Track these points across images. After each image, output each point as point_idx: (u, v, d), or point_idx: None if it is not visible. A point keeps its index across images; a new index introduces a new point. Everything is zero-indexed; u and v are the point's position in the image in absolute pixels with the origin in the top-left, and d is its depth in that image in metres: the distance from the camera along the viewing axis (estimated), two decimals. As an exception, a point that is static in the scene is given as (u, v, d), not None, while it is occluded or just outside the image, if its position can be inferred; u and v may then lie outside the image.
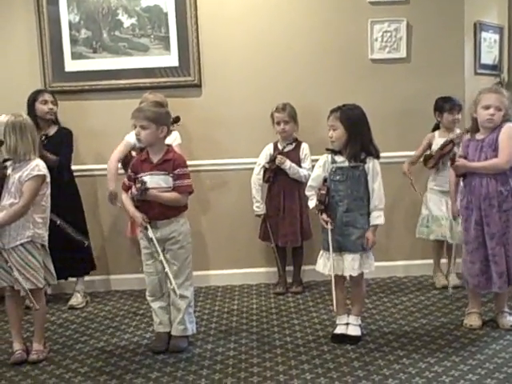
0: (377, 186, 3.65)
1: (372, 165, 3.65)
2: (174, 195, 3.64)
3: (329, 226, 3.64)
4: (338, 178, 3.66)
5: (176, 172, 3.63)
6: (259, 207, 4.73)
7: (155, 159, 3.67)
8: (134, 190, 3.60)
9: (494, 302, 4.03)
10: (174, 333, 3.76)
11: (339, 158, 3.68)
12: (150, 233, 3.64)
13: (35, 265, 3.60)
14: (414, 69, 4.90)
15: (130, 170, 3.76)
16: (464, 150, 3.88)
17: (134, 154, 4.33)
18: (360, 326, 3.81)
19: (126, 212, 4.42)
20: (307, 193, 3.82)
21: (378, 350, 3.61)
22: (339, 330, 3.80)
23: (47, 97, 4.54)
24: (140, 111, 3.70)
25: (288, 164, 4.60)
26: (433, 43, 4.87)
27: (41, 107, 4.51)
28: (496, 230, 3.73)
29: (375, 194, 3.65)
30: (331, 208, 3.67)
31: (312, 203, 3.76)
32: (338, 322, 3.83)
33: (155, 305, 3.77)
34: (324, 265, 3.72)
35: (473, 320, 3.90)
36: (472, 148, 3.81)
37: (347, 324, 3.80)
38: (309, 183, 3.81)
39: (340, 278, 3.74)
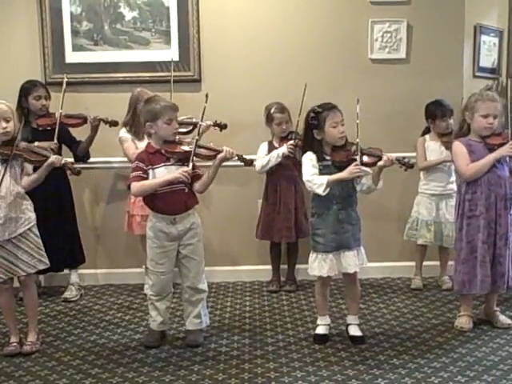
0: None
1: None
2: None
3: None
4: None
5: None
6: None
7: None
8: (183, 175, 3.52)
9: (486, 303, 4.04)
10: (190, 327, 3.78)
11: (326, 157, 3.64)
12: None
13: (42, 245, 3.69)
14: (413, 70, 4.91)
15: (137, 162, 3.60)
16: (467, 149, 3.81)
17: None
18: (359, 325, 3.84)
19: (126, 205, 4.49)
20: (317, 181, 3.55)
21: (368, 350, 3.63)
22: (321, 330, 3.81)
23: (41, 92, 4.46)
24: (175, 105, 3.70)
25: None
26: (432, 45, 4.88)
27: (34, 103, 4.44)
28: (506, 230, 3.79)
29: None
30: (325, 206, 3.65)
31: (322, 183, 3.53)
32: (319, 323, 3.83)
33: (161, 305, 3.73)
34: (321, 267, 3.65)
35: (464, 322, 3.92)
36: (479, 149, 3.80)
37: (328, 325, 3.84)
38: (312, 173, 3.58)
39: (329, 278, 3.75)
